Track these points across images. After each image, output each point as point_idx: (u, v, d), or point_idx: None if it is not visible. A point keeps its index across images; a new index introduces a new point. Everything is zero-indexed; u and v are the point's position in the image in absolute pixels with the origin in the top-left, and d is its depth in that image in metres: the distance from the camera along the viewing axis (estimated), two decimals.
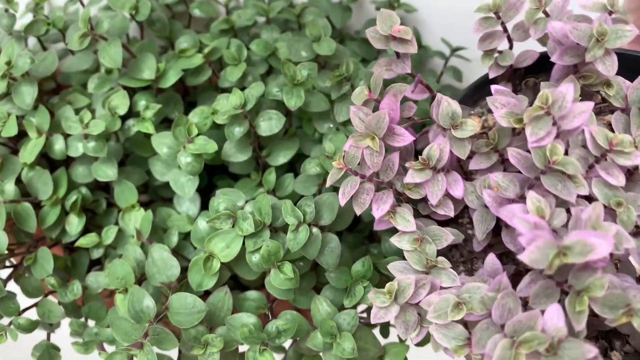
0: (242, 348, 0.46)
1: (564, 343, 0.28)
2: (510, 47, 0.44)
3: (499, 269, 0.33)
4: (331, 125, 0.51)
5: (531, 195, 0.30)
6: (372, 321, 0.36)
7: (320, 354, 0.46)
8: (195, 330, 0.43)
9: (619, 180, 0.33)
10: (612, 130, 0.39)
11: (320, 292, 0.48)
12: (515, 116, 0.34)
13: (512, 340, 0.28)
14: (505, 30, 0.43)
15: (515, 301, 0.30)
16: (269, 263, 0.43)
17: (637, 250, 0.34)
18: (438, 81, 0.64)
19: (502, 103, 0.36)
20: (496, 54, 0.44)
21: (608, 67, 0.37)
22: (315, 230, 0.43)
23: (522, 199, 0.35)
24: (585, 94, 0.40)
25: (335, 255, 0.44)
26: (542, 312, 0.29)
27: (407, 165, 0.38)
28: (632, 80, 0.43)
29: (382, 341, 0.48)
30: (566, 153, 0.36)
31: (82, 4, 0.56)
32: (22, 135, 0.54)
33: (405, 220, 0.38)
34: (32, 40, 0.61)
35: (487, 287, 0.32)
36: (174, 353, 0.50)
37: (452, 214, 0.39)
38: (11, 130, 0.49)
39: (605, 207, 0.33)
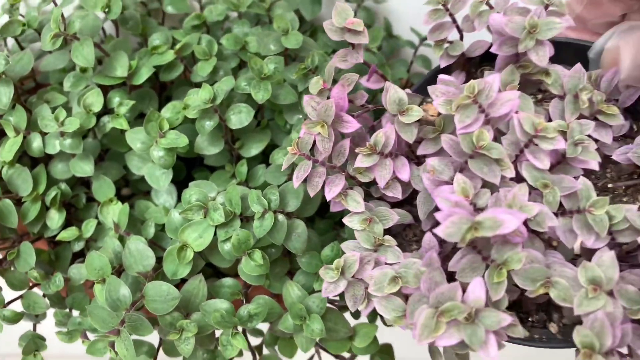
0: (219, 332, 0.48)
1: (482, 312, 0.30)
2: (461, 38, 0.46)
3: (435, 245, 0.35)
4: (300, 117, 0.53)
5: (458, 177, 0.33)
6: (323, 294, 0.40)
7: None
8: (171, 316, 0.45)
9: (544, 163, 0.35)
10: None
11: (294, 277, 0.50)
12: (452, 104, 0.36)
13: (436, 310, 0.31)
14: (454, 21, 0.44)
15: (440, 275, 0.33)
16: (240, 251, 0.45)
17: (563, 229, 0.36)
18: (409, 70, 0.65)
19: (442, 92, 0.38)
20: (447, 44, 0.45)
21: (541, 57, 0.39)
22: (281, 217, 0.45)
23: (461, 171, 0.37)
24: (528, 82, 0.42)
25: (302, 240, 0.46)
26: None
27: (356, 150, 0.40)
28: (586, 68, 0.46)
29: (353, 322, 0.51)
30: (499, 139, 0.38)
31: (55, 4, 0.57)
32: (1, 134, 0.56)
33: (356, 202, 0.41)
34: (11, 41, 0.63)
35: (421, 262, 0.35)
36: (155, 340, 0.53)
37: (399, 196, 0.41)
38: None
39: (534, 188, 0.35)
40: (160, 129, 0.49)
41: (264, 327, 0.55)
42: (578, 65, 0.41)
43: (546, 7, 0.41)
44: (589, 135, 0.39)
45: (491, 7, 0.43)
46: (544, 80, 0.41)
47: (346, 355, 0.57)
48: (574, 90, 0.40)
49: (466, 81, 0.47)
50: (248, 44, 0.55)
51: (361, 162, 0.40)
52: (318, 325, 0.45)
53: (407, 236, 0.44)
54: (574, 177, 0.37)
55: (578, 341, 0.30)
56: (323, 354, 0.56)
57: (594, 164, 0.37)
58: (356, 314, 0.57)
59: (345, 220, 0.41)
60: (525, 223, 0.34)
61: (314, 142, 0.40)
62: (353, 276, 0.39)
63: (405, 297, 0.36)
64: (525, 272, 0.33)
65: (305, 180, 0.41)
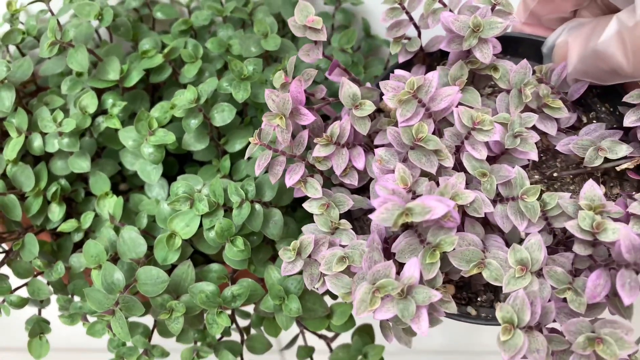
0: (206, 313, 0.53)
1: (414, 289, 0.33)
2: (419, 35, 0.48)
3: (382, 229, 0.39)
4: None
5: (398, 167, 0.37)
6: (282, 273, 0.43)
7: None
8: (161, 298, 0.50)
9: (482, 154, 0.39)
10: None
11: (275, 262, 0.54)
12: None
13: (372, 286, 0.34)
14: (411, 19, 0.47)
15: (379, 254, 0.36)
16: (223, 238, 0.49)
17: (500, 214, 0.39)
18: (385, 68, 0.69)
19: (392, 87, 0.41)
20: (405, 41, 0.48)
21: (485, 55, 0.41)
22: (257, 206, 0.49)
23: (404, 162, 0.41)
24: (481, 77, 0.46)
25: (278, 226, 0.50)
26: None
27: (315, 140, 0.44)
28: (540, 62, 0.49)
29: (331, 302, 0.55)
30: (440, 133, 0.41)
31: (52, 13, 0.61)
32: (5, 135, 0.60)
33: (314, 188, 0.44)
34: (12, 46, 0.67)
35: (367, 241, 0.39)
36: (150, 322, 0.57)
37: (356, 183, 0.44)
38: None
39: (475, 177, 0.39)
40: (149, 127, 0.53)
41: (251, 309, 0.59)
42: (524, 61, 0.43)
43: (493, 7, 0.43)
44: (534, 127, 0.42)
45: (445, 5, 0.45)
46: (492, 75, 0.44)
47: (329, 334, 0.62)
48: (520, 85, 0.43)
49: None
50: (232, 47, 0.59)
51: (319, 151, 0.43)
52: (295, 304, 0.49)
53: (367, 220, 0.48)
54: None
55: (500, 317, 0.33)
56: (307, 334, 0.61)
57: (533, 154, 0.40)
58: (334, 295, 0.61)
59: (305, 205, 0.45)
60: (464, 210, 0.38)
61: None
62: (309, 256, 0.42)
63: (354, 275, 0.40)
64: (461, 253, 0.37)
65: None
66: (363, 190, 0.48)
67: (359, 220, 0.49)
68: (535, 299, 0.34)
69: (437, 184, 0.39)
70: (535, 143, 0.41)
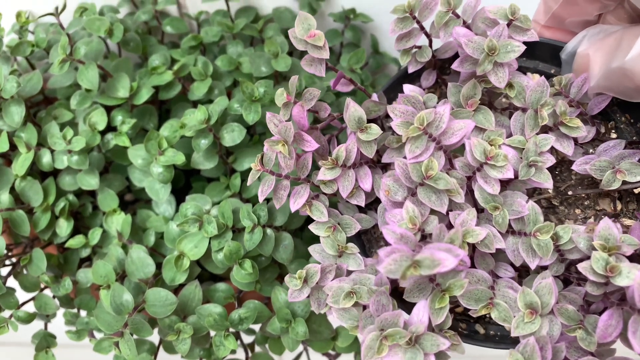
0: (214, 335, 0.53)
1: (422, 337, 0.34)
2: (430, 44, 0.45)
3: None
4: None
5: (406, 205, 0.36)
6: (290, 299, 0.42)
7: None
8: (169, 319, 0.50)
9: (494, 189, 0.38)
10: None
11: (284, 282, 0.55)
12: (410, 126, 0.38)
13: (380, 333, 0.34)
14: (422, 28, 0.44)
15: (387, 298, 0.36)
16: (231, 260, 0.49)
17: (511, 248, 0.39)
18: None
19: (401, 111, 0.40)
20: (415, 50, 0.46)
21: (500, 79, 0.40)
22: (269, 231, 0.49)
23: (413, 196, 0.40)
24: (492, 93, 0.44)
25: (289, 251, 0.50)
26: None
27: (319, 163, 0.42)
28: (557, 64, 0.46)
29: (336, 324, 0.55)
30: (451, 164, 0.40)
31: (62, 27, 0.61)
32: (13, 147, 0.60)
33: (320, 211, 0.43)
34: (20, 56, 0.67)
35: (375, 279, 0.38)
36: (156, 339, 0.58)
37: (362, 204, 0.43)
38: (3, 146, 0.55)
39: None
40: (159, 147, 0.53)
41: (256, 326, 0.60)
42: (541, 79, 0.41)
43: (510, 22, 0.41)
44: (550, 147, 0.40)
45: (457, 17, 0.42)
46: (508, 94, 0.41)
47: (332, 352, 0.62)
48: (536, 105, 0.41)
49: (437, 80, 0.48)
50: (241, 65, 0.59)
51: (324, 175, 0.42)
52: (302, 327, 0.49)
53: (375, 233, 0.47)
54: (528, 192, 0.40)
55: None
56: (310, 350, 0.61)
57: (547, 184, 0.39)
58: None
59: (312, 227, 0.44)
60: (473, 245, 0.38)
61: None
62: (317, 283, 0.42)
63: (363, 306, 0.39)
64: (470, 292, 0.37)
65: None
66: (371, 203, 0.47)
67: (366, 233, 0.49)
68: (545, 344, 0.34)
69: (448, 220, 0.39)
70: (550, 151, 0.40)
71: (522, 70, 0.47)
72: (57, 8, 0.60)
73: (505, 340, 0.44)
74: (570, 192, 0.44)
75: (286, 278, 0.44)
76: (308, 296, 0.45)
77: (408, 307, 0.41)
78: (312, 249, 0.45)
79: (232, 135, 0.54)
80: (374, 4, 0.68)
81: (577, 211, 0.44)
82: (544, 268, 0.40)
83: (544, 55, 0.46)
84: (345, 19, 0.66)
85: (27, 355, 0.60)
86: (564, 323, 0.37)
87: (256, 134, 0.60)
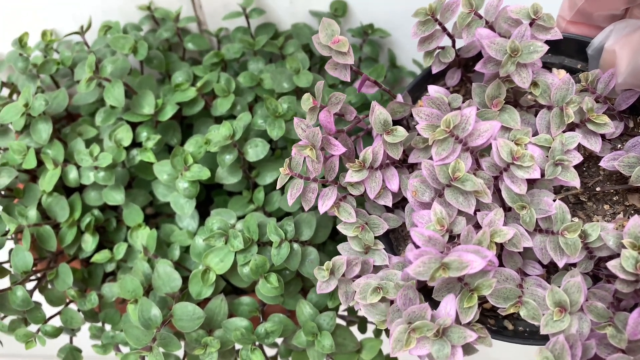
0: (239, 346, 0.53)
1: (449, 329, 0.34)
2: (453, 44, 0.45)
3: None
4: None
5: (435, 207, 0.37)
6: (318, 291, 0.43)
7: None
8: (196, 333, 0.50)
9: (521, 188, 0.38)
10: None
11: (307, 295, 0.55)
12: (435, 128, 0.38)
13: (408, 326, 0.34)
14: (444, 29, 0.44)
15: (414, 292, 0.37)
16: (257, 274, 0.50)
17: (539, 246, 0.39)
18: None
19: (426, 114, 0.40)
20: (438, 51, 0.45)
21: (523, 80, 0.39)
22: (296, 245, 0.50)
23: (440, 197, 0.40)
24: (517, 91, 0.44)
25: (314, 265, 0.51)
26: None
27: (346, 165, 0.43)
28: (583, 59, 0.46)
29: (360, 337, 0.56)
30: (478, 164, 0.41)
31: (87, 45, 0.62)
32: (39, 163, 0.61)
33: (348, 212, 0.44)
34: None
35: (401, 274, 0.39)
36: (179, 352, 0.58)
37: (390, 204, 0.44)
38: (31, 162, 0.56)
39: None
40: (185, 162, 0.54)
41: (278, 339, 0.60)
42: (567, 76, 0.41)
43: (532, 22, 0.40)
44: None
45: (480, 17, 0.42)
46: (532, 92, 0.41)
47: None
48: (562, 102, 0.41)
49: (462, 78, 0.48)
50: (263, 81, 0.60)
51: (351, 177, 0.42)
52: (328, 341, 0.50)
53: (402, 232, 0.48)
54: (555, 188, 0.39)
55: None
56: None
57: (575, 183, 0.38)
58: (362, 329, 0.62)
59: (340, 227, 0.44)
60: (501, 244, 0.38)
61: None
62: (343, 275, 0.42)
63: (391, 301, 0.40)
64: (498, 291, 0.37)
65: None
66: (399, 202, 0.47)
67: (394, 232, 0.49)
68: (575, 341, 0.34)
69: (476, 219, 0.39)
70: (577, 149, 0.40)
71: (548, 66, 0.47)
72: (82, 27, 0.62)
73: (534, 336, 0.43)
74: (598, 188, 0.43)
75: (315, 270, 0.44)
76: (333, 309, 0.45)
77: (435, 303, 0.41)
78: (340, 247, 0.46)
79: (256, 151, 0.55)
80: (391, 19, 0.69)
81: (606, 207, 0.44)
82: (573, 265, 0.40)
83: (569, 51, 0.46)
84: (364, 34, 0.67)
85: None
86: (594, 320, 0.37)
87: (277, 149, 0.61)
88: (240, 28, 0.68)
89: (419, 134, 0.43)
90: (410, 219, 0.44)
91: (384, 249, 0.44)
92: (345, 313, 0.61)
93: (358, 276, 0.44)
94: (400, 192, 0.45)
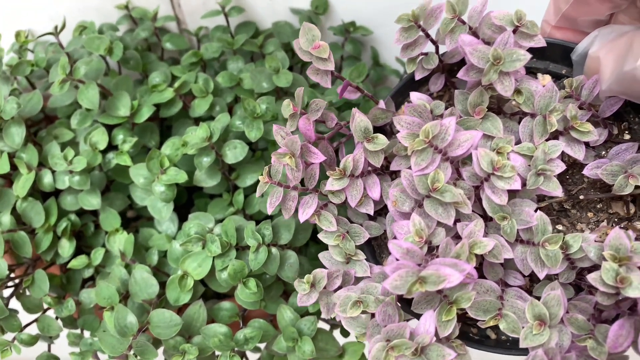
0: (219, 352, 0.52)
1: (427, 347, 0.33)
2: (437, 50, 0.45)
3: None
4: None
5: (413, 218, 0.36)
6: (299, 304, 0.42)
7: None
8: (174, 340, 0.49)
9: (502, 199, 0.37)
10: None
11: (288, 299, 0.54)
12: (416, 137, 0.38)
13: (386, 344, 0.34)
14: (427, 36, 0.43)
15: (393, 309, 0.36)
16: (236, 280, 0.49)
17: (520, 257, 0.39)
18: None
19: (407, 122, 0.39)
20: (421, 57, 0.45)
21: (506, 88, 0.39)
22: (274, 250, 0.49)
23: (420, 207, 0.39)
24: (500, 98, 0.44)
25: (294, 269, 0.50)
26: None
27: (327, 173, 0.42)
28: (568, 64, 0.45)
29: (342, 340, 0.55)
30: (458, 173, 0.40)
31: (62, 46, 0.61)
32: (13, 168, 0.60)
33: (328, 221, 0.43)
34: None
35: (381, 287, 0.38)
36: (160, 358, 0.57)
37: (371, 212, 0.43)
38: (4, 167, 0.54)
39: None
40: (161, 165, 0.53)
41: (260, 344, 0.59)
42: (550, 84, 0.40)
43: (515, 29, 0.40)
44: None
45: (464, 23, 0.42)
46: (515, 100, 0.40)
47: None
48: (545, 110, 0.40)
49: (445, 84, 0.47)
50: (242, 81, 0.59)
51: (332, 185, 0.41)
52: (309, 346, 0.49)
53: (385, 239, 0.47)
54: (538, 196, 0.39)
55: None
56: None
57: (557, 192, 0.38)
58: (345, 333, 0.61)
59: (321, 236, 0.43)
60: (482, 255, 0.37)
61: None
62: (325, 288, 0.42)
63: (372, 314, 0.39)
64: (478, 304, 0.36)
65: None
66: (381, 209, 0.46)
67: (377, 239, 0.48)
68: (554, 355, 0.34)
69: (456, 230, 0.39)
70: (561, 156, 0.39)
71: (532, 71, 0.47)
72: (56, 27, 0.60)
73: (517, 346, 0.42)
74: (582, 197, 0.43)
75: (295, 283, 0.43)
76: (314, 313, 0.44)
77: (416, 313, 0.40)
78: (322, 255, 0.45)
79: (235, 153, 0.54)
80: (373, 17, 0.67)
81: (590, 214, 0.43)
82: (556, 275, 0.40)
83: (554, 56, 0.45)
84: (345, 32, 0.66)
85: None
86: (574, 332, 0.36)
87: (258, 150, 0.60)
88: (220, 27, 0.67)
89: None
90: (390, 229, 0.43)
91: (366, 259, 0.44)
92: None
93: (340, 287, 0.43)
94: (382, 200, 0.45)
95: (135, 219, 0.67)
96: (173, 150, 0.54)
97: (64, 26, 0.60)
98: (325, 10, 0.65)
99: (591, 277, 0.35)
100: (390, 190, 0.41)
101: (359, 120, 0.41)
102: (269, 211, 0.43)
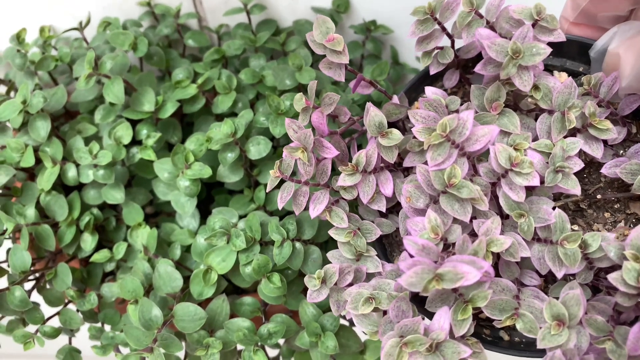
0: (241, 347, 0.53)
1: (442, 344, 0.33)
2: (452, 44, 0.44)
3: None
4: None
5: (429, 214, 0.35)
6: (308, 300, 0.42)
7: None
8: (198, 334, 0.50)
9: (519, 196, 0.36)
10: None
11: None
12: (431, 132, 0.37)
13: (400, 339, 0.33)
14: (443, 29, 0.42)
15: (407, 304, 0.35)
16: (260, 274, 0.49)
17: (537, 256, 0.38)
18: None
19: (422, 116, 0.39)
20: (436, 51, 0.44)
21: (525, 82, 0.38)
22: (298, 244, 0.49)
23: (435, 203, 0.39)
24: (517, 94, 0.43)
25: (317, 264, 0.50)
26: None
27: (339, 169, 0.42)
28: (586, 62, 0.45)
29: (364, 337, 0.55)
30: (475, 169, 0.39)
31: (86, 41, 0.61)
32: (37, 161, 0.60)
33: (339, 217, 0.43)
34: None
35: (394, 284, 0.38)
36: (181, 353, 0.57)
37: (383, 209, 0.42)
38: (29, 161, 0.55)
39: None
40: (186, 160, 0.53)
41: (280, 339, 0.59)
42: (569, 80, 0.40)
43: (535, 23, 0.39)
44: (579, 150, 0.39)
45: (481, 17, 0.41)
46: (533, 95, 0.40)
47: None
48: (564, 107, 0.39)
49: (460, 80, 0.47)
50: (265, 78, 0.59)
51: (343, 181, 0.41)
52: (332, 342, 0.49)
53: (396, 237, 0.46)
54: (555, 195, 0.38)
55: None
56: None
57: (575, 190, 0.37)
58: None
59: (331, 232, 0.43)
60: (498, 253, 0.37)
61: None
62: (335, 284, 0.41)
63: (384, 311, 0.38)
64: (494, 303, 0.35)
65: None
66: (393, 207, 0.46)
67: (387, 237, 0.48)
68: (573, 356, 0.33)
69: (472, 227, 0.38)
70: (578, 154, 0.39)
71: (549, 68, 0.46)
72: (80, 23, 0.61)
73: (530, 348, 0.42)
74: (599, 196, 0.42)
75: (305, 278, 0.43)
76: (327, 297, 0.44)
77: (429, 312, 0.39)
78: (330, 254, 0.44)
79: (258, 148, 0.54)
80: (394, 16, 0.68)
81: (607, 215, 0.43)
82: (572, 275, 0.39)
83: (571, 53, 0.45)
84: (366, 30, 0.66)
85: None
86: (593, 334, 0.36)
87: (280, 146, 0.60)
88: (241, 24, 0.67)
89: (414, 137, 0.42)
90: (404, 225, 0.43)
91: (377, 255, 0.43)
92: None
93: (351, 284, 0.42)
94: (394, 197, 0.44)
95: (154, 215, 0.67)
96: (197, 145, 0.55)
97: (88, 21, 0.60)
98: (346, 9, 0.66)
99: (612, 277, 0.34)
100: (404, 186, 0.40)
101: (374, 115, 0.40)
102: (280, 206, 0.42)
